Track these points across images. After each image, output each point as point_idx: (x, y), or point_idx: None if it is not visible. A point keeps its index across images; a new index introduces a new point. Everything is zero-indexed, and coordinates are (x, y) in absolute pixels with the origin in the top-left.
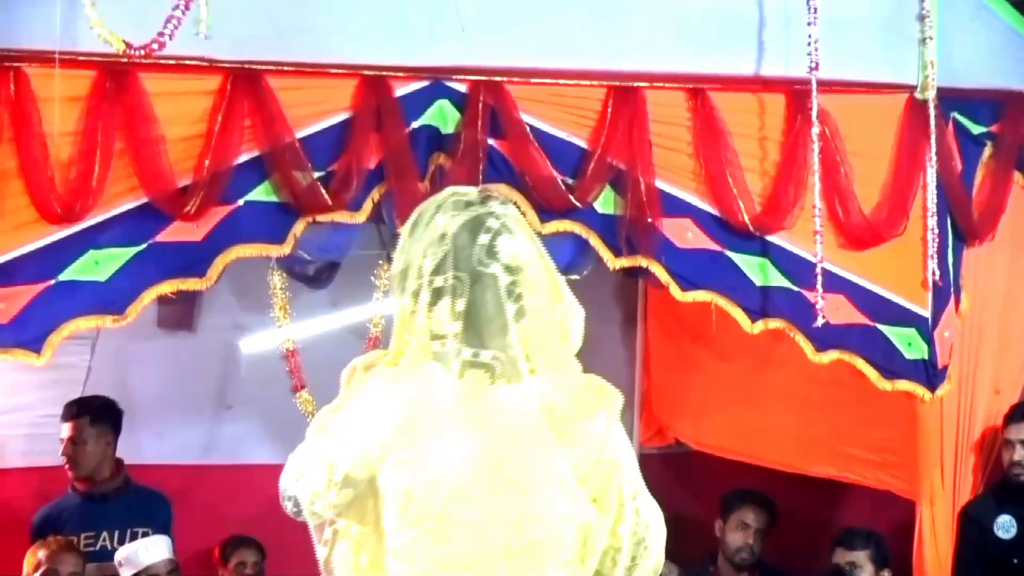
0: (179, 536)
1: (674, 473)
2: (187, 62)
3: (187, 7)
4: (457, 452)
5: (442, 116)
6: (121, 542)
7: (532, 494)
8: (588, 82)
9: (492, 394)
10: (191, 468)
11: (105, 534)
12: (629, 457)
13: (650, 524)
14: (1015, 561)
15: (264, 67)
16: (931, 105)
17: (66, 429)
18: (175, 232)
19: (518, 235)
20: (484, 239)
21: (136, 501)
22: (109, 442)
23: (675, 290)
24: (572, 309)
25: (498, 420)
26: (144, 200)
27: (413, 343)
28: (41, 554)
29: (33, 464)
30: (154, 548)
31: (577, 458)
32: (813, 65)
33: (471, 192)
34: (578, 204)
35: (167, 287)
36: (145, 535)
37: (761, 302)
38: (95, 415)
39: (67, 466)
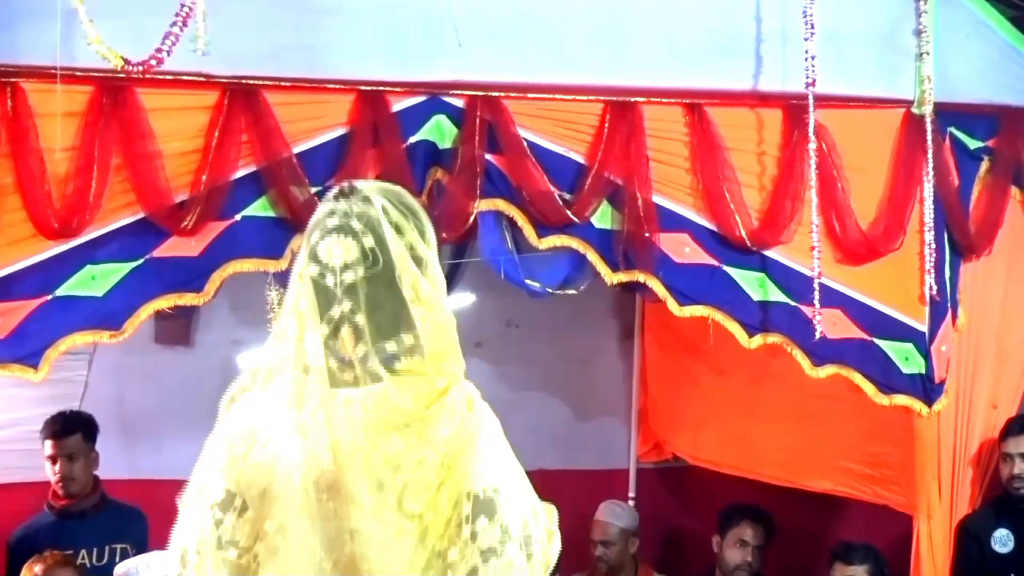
0: None
1: (671, 488)
2: (184, 78)
3: (185, 23)
4: (286, 462)
5: (439, 131)
6: (100, 559)
7: (351, 504)
8: (585, 97)
9: (335, 399)
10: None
11: (84, 551)
12: (492, 479)
13: (488, 557)
14: (1013, 575)
15: (261, 83)
16: (928, 120)
17: (60, 447)
18: (172, 247)
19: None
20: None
21: (112, 517)
22: (95, 458)
23: (673, 305)
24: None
25: (331, 427)
26: (141, 215)
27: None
28: (38, 569)
29: (29, 480)
30: (156, 565)
31: (405, 471)
32: (810, 80)
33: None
34: (576, 219)
35: (164, 302)
36: (124, 551)
37: (759, 317)
38: (86, 431)
39: (58, 484)
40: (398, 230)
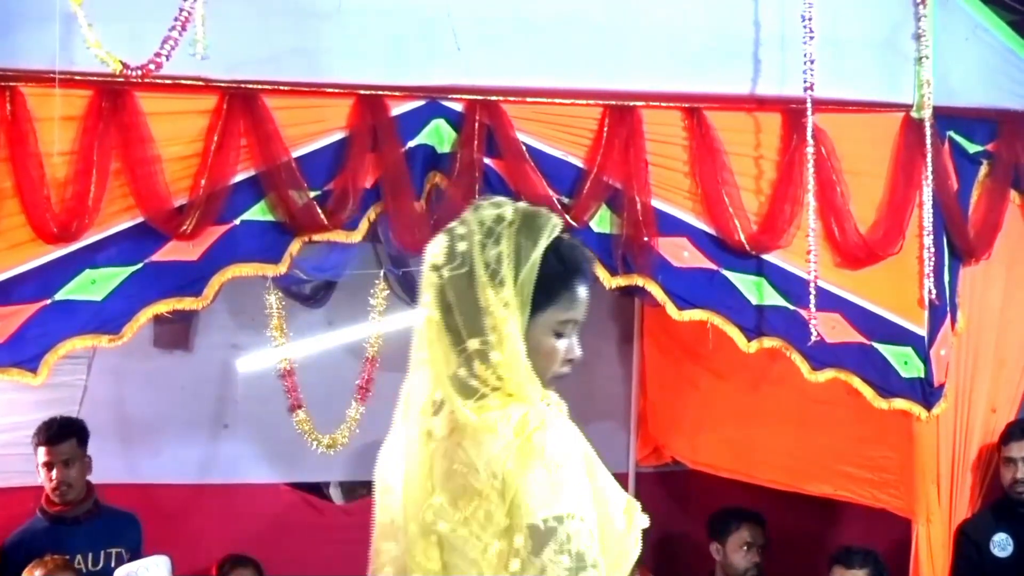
0: (176, 555)
1: (670, 492)
2: (183, 82)
3: (184, 28)
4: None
5: (438, 136)
6: (95, 563)
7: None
8: (584, 101)
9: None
10: (188, 487)
11: (79, 556)
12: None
13: None
14: None
15: (260, 87)
16: (927, 124)
17: (55, 453)
18: (171, 251)
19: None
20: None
21: (106, 522)
22: (88, 462)
23: (671, 309)
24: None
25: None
26: (140, 220)
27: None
28: (38, 573)
29: (29, 484)
30: (155, 571)
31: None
32: (809, 84)
33: None
34: (574, 223)
35: (163, 306)
36: (119, 556)
37: (757, 321)
38: (79, 436)
39: (54, 490)
40: (495, 239)
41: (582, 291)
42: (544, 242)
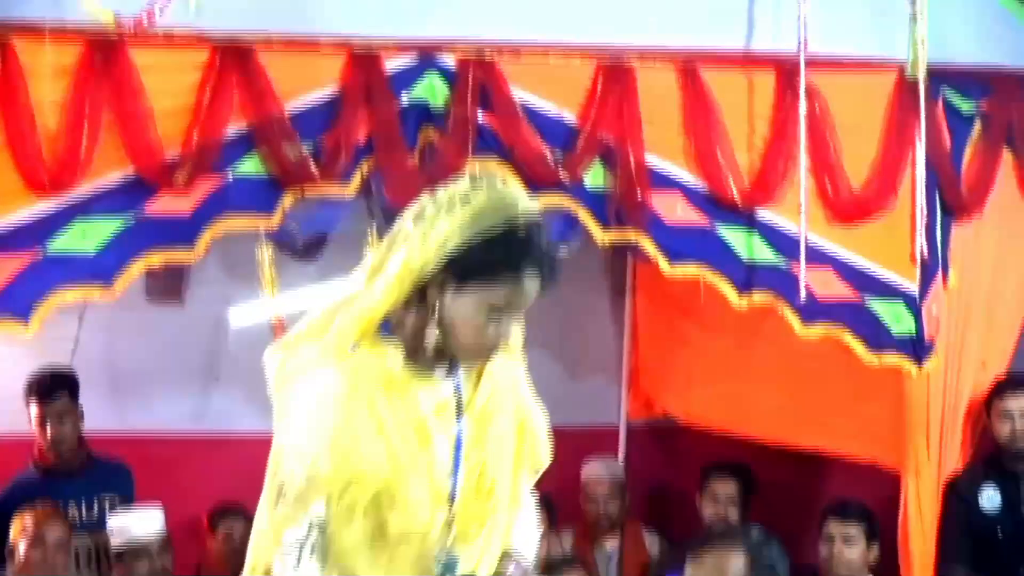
0: (167, 505)
1: (662, 446)
2: (176, 36)
3: None
4: None
5: (432, 91)
6: (89, 512)
7: None
8: (579, 58)
9: None
10: (179, 438)
11: (72, 505)
12: None
13: None
14: (999, 533)
15: (253, 41)
16: (921, 83)
17: (49, 408)
18: (163, 204)
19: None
20: None
21: (98, 473)
22: (81, 414)
23: (663, 264)
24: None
25: None
26: (132, 172)
27: None
28: (27, 521)
29: (20, 435)
30: (147, 522)
31: None
32: (803, 42)
33: None
34: (567, 179)
35: (155, 259)
36: (112, 504)
37: (748, 276)
38: (72, 390)
39: (48, 445)
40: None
41: (523, 279)
42: (478, 214)
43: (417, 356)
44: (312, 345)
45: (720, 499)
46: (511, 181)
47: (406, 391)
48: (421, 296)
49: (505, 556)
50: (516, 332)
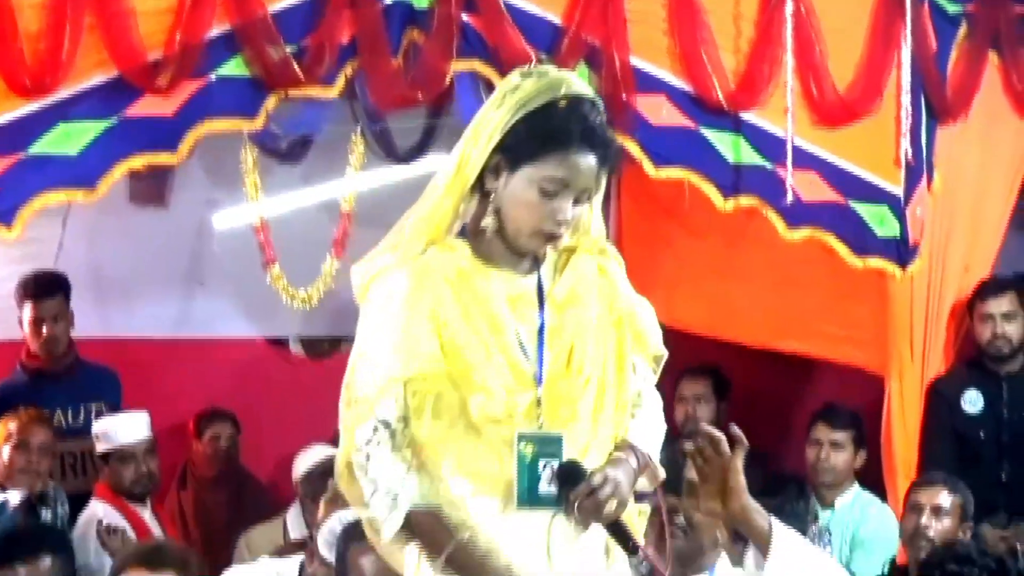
0: (153, 410)
1: None
2: None
3: None
4: None
5: None
6: (75, 418)
7: None
8: None
9: None
10: (164, 342)
11: (59, 411)
12: None
13: None
14: (981, 435)
15: None
16: None
17: (44, 308)
18: (146, 106)
19: None
20: None
21: (86, 377)
22: (71, 317)
23: (648, 167)
24: None
25: None
26: (115, 74)
27: None
28: (12, 426)
29: (5, 338)
30: (133, 427)
31: None
32: None
33: None
34: None
35: (138, 161)
36: (99, 411)
37: (734, 179)
38: (66, 292)
39: (43, 346)
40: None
41: (571, 154)
42: (525, 98)
43: (485, 249)
44: (389, 255)
45: (688, 399)
46: (565, 70)
47: (475, 283)
48: (482, 190)
49: (620, 446)
50: (594, 221)
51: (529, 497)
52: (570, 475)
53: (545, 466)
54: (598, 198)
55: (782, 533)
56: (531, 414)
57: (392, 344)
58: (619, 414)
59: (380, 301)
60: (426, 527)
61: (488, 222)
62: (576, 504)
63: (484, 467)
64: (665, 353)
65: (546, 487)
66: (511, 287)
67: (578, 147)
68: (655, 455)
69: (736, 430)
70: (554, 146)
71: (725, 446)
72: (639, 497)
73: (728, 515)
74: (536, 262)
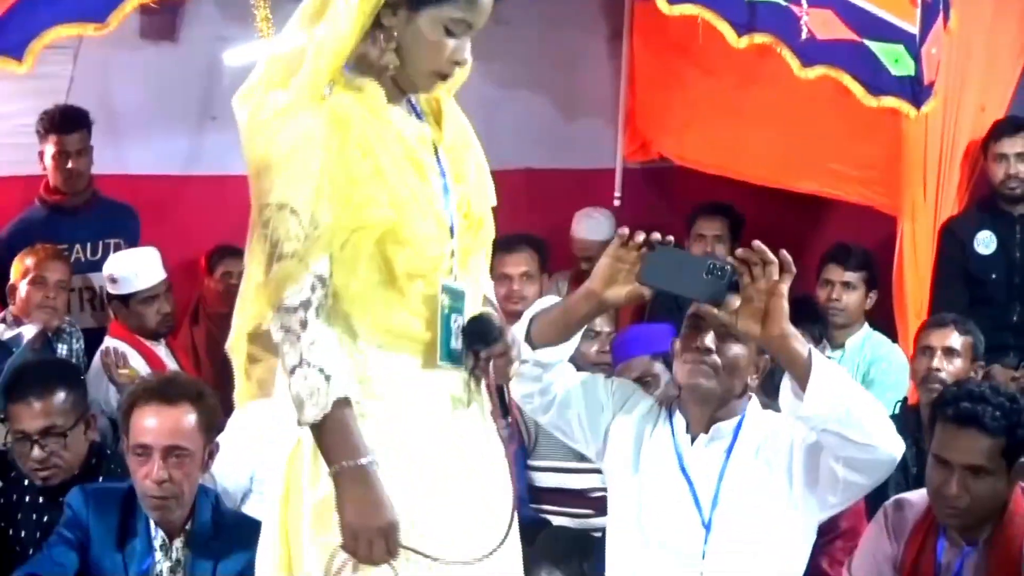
0: (165, 246)
1: (657, 187)
2: None
3: None
4: None
5: None
6: (94, 253)
7: None
8: None
9: None
10: (176, 178)
11: (77, 246)
12: None
13: None
14: (993, 276)
15: None
16: None
17: (69, 142)
18: None
19: None
20: None
21: (105, 213)
22: (92, 151)
23: (662, 3)
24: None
25: None
26: None
27: None
28: (29, 261)
29: (19, 173)
30: (150, 269)
31: None
32: None
33: None
34: None
35: None
36: (117, 246)
37: (748, 16)
38: (88, 126)
39: (66, 179)
40: None
41: None
42: None
43: (388, 89)
44: (282, 92)
45: (707, 238)
46: None
47: (391, 125)
48: (378, 26)
49: (486, 302)
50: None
51: (448, 353)
52: (481, 332)
53: (456, 321)
54: None
55: (821, 361)
56: (447, 267)
57: (319, 192)
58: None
59: (297, 145)
60: (339, 429)
61: (390, 58)
62: (491, 362)
63: (402, 325)
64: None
65: (455, 344)
66: (415, 128)
67: None
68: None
69: (785, 255)
70: None
71: (774, 268)
72: None
73: (766, 339)
74: (413, 102)
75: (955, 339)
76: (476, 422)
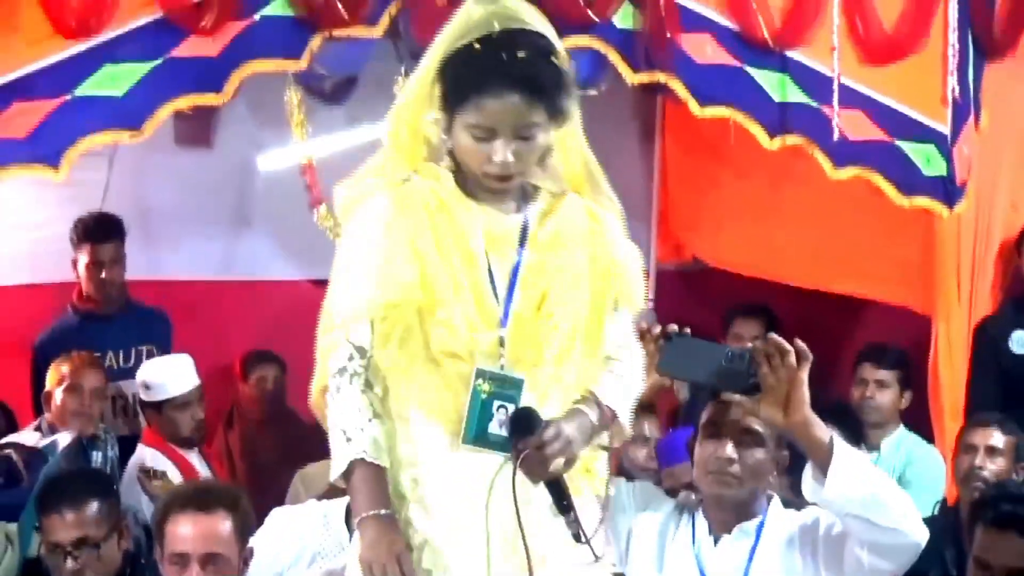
0: (198, 352)
1: (691, 290)
2: None
3: None
4: None
5: None
6: (126, 360)
7: None
8: None
9: None
10: (210, 284)
11: (110, 353)
12: None
13: None
14: None
15: None
16: None
17: (103, 251)
18: (191, 47)
19: None
20: None
21: (137, 319)
22: (124, 260)
23: (693, 106)
24: None
25: None
26: (160, 14)
27: None
28: (65, 368)
29: (46, 281)
30: (183, 375)
31: None
32: None
33: None
34: (596, 18)
35: (183, 102)
36: (149, 353)
37: (779, 118)
38: (122, 235)
39: (98, 288)
40: None
41: (485, 99)
42: (451, 39)
43: (470, 181)
44: (374, 179)
45: (744, 339)
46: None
47: (455, 215)
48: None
49: (584, 398)
50: (571, 159)
51: (476, 436)
52: (523, 422)
53: (500, 408)
54: (571, 134)
55: (843, 448)
56: (494, 354)
57: (371, 269)
58: (587, 364)
59: (362, 225)
60: (359, 486)
61: (446, 162)
62: (522, 454)
63: (440, 401)
64: (640, 307)
65: (497, 429)
66: (493, 224)
67: (494, 90)
68: (624, 411)
69: (801, 344)
70: (468, 93)
71: (792, 357)
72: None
73: (789, 426)
74: (525, 202)
75: (998, 438)
76: (503, 508)
